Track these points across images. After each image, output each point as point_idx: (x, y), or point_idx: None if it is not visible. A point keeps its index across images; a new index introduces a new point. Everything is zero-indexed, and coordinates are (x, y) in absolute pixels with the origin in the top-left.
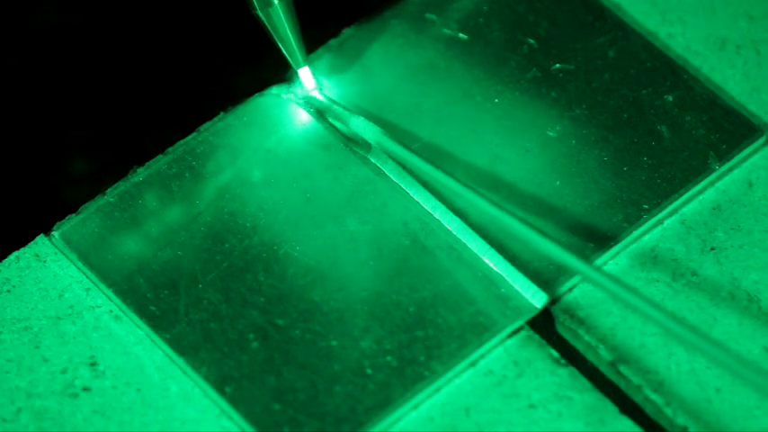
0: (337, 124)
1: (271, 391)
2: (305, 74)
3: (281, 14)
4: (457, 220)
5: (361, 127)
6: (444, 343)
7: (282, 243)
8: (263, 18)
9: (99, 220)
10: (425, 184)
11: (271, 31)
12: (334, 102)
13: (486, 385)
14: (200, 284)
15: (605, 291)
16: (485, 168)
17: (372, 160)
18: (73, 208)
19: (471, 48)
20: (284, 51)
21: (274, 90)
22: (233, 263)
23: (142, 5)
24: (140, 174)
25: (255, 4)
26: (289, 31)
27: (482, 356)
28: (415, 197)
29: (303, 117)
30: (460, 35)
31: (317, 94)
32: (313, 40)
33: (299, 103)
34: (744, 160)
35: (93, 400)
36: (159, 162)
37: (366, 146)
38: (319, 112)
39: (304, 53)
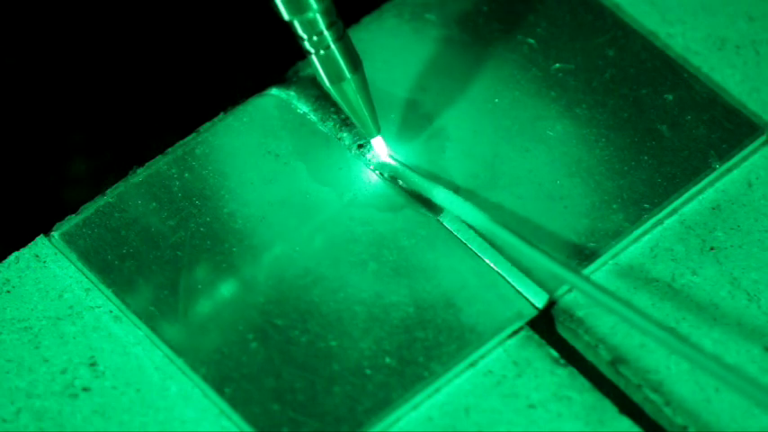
0: (405, 184)
1: (270, 391)
2: (378, 143)
3: (355, 87)
4: (457, 220)
5: (452, 203)
6: (444, 343)
7: (282, 243)
8: (333, 93)
9: (99, 220)
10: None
11: (342, 103)
12: (411, 169)
13: (486, 385)
14: (200, 285)
15: (596, 302)
16: (485, 168)
17: (446, 224)
18: (73, 208)
19: (471, 48)
20: (355, 121)
21: (274, 90)
22: (233, 263)
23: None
24: (140, 174)
25: (325, 77)
26: (362, 103)
27: (482, 357)
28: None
29: (304, 119)
30: (460, 35)
31: (390, 161)
32: None
33: (379, 173)
34: (744, 159)
35: (92, 401)
36: (159, 162)
37: (436, 208)
38: (393, 178)
39: (377, 121)
